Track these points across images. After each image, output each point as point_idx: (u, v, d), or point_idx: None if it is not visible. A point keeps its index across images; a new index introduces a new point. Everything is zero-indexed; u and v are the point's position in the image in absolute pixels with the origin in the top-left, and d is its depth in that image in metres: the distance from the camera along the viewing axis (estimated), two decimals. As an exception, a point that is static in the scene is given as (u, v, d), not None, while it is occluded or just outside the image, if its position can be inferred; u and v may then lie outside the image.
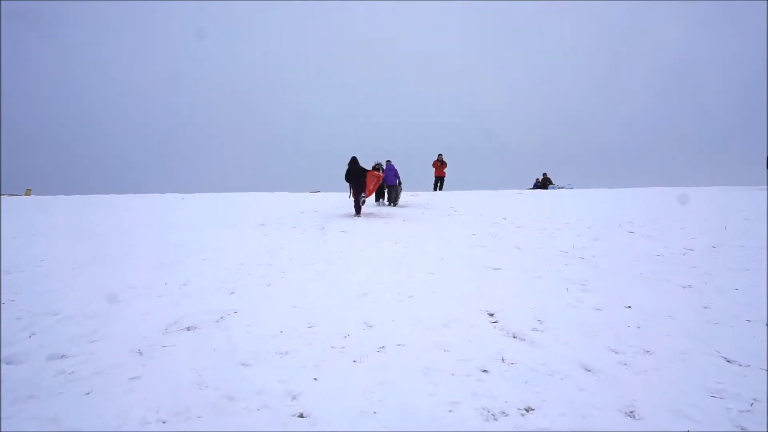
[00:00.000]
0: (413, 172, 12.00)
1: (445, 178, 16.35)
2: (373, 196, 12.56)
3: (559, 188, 17.06)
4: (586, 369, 2.85)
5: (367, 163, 10.88)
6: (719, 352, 3.03)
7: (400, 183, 12.05)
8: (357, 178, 11.04)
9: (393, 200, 12.17)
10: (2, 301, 4.31)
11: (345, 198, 13.25)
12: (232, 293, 4.47)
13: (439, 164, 16.20)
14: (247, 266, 5.53)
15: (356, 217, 9.75)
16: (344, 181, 10.91)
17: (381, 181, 11.23)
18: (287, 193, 15.86)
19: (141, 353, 3.14)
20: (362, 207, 11.02)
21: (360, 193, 10.79)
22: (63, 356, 3.12)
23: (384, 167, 11.96)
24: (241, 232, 7.95)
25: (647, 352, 3.08)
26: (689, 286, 4.48)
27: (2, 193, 17.45)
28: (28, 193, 18.65)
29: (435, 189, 16.46)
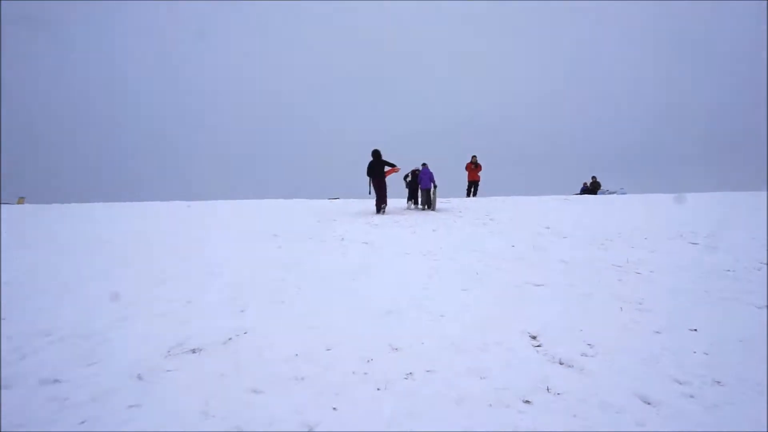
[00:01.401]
0: (444, 175, 12.16)
1: (479, 183, 16.28)
2: (406, 203, 13.19)
3: (609, 193, 16.76)
4: (645, 401, 2.78)
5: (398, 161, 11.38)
6: (806, 384, 2.93)
7: (435, 187, 12.46)
8: (377, 178, 11.43)
9: (428, 204, 12.60)
10: (-3, 319, 4.51)
11: (366, 206, 13.41)
12: (242, 311, 4.54)
13: (473, 167, 16.13)
14: (259, 281, 5.61)
15: (378, 216, 10.06)
16: (366, 175, 11.36)
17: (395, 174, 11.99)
18: (303, 200, 16.10)
19: (141, 378, 3.21)
20: (385, 209, 11.50)
21: (381, 196, 11.31)
22: (56, 381, 3.19)
23: (420, 170, 12.62)
24: (252, 243, 8.08)
25: (717, 383, 2.99)
26: (765, 307, 4.35)
27: None
28: (20, 201, 19.38)
29: (468, 194, 16.38)
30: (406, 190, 13.56)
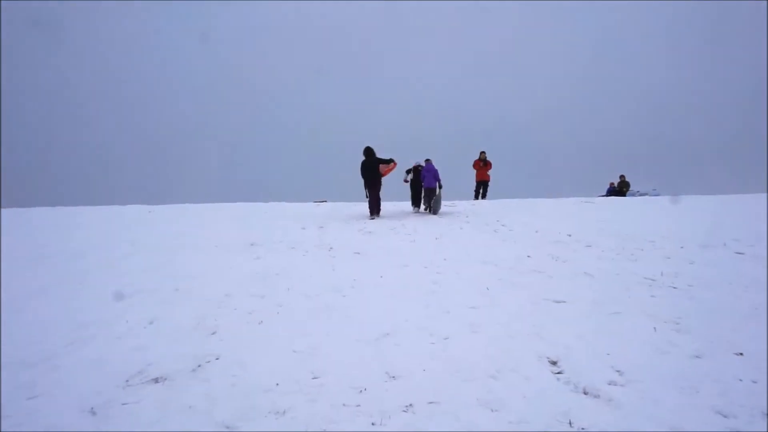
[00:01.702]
0: (447, 175, 12.16)
1: (489, 183, 16.25)
2: (411, 206, 13.43)
3: (640, 195, 16.77)
4: (685, 438, 2.74)
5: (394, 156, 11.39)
6: None
7: (440, 187, 12.44)
8: (371, 178, 11.44)
9: (431, 206, 12.58)
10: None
11: (358, 210, 13.38)
12: (214, 333, 4.49)
13: (482, 165, 16.09)
14: (234, 298, 5.57)
15: (373, 222, 10.07)
16: (360, 176, 11.39)
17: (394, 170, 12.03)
18: (285, 203, 16.06)
19: (94, 413, 3.15)
20: (379, 213, 11.51)
21: (375, 198, 11.32)
22: (-9, 417, 3.17)
23: (423, 167, 12.64)
24: (226, 254, 8.04)
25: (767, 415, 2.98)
26: (824, 326, 4.32)
27: None
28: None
29: (477, 197, 16.38)
30: (410, 192, 13.60)
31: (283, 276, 6.51)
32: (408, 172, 13.37)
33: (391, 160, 11.78)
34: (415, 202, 13.32)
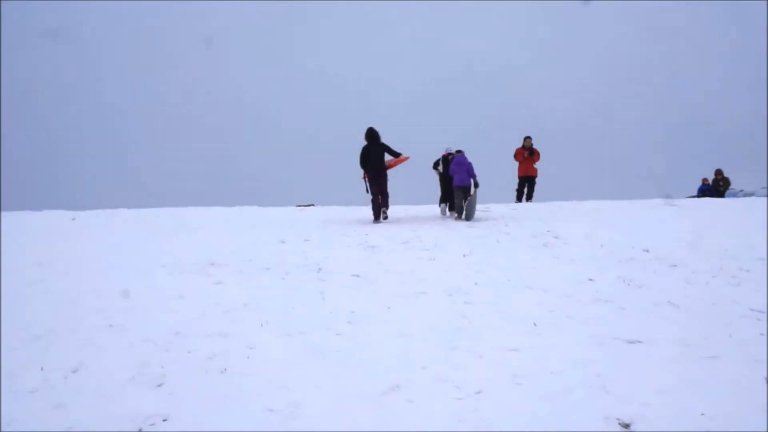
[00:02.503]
0: (480, 169, 12.21)
1: (536, 179, 16.19)
2: (438, 207, 13.34)
3: (744, 195, 16.76)
4: None
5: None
6: None
7: (476, 186, 12.44)
8: (375, 169, 11.43)
9: (462, 211, 12.53)
10: None
11: (356, 215, 13.40)
12: (160, 386, 4.50)
13: (527, 155, 15.95)
14: (187, 338, 5.56)
15: (376, 229, 10.14)
16: (359, 167, 11.40)
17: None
18: (258, 208, 16.01)
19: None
20: (386, 216, 11.53)
21: (379, 195, 11.32)
22: None
23: (454, 156, 12.74)
24: (177, 276, 8.06)
25: None
26: None
27: None
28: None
29: (519, 198, 16.32)
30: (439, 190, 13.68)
31: (254, 307, 6.49)
32: (437, 164, 13.49)
33: (401, 153, 11.82)
34: (447, 203, 13.38)
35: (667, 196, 14.51)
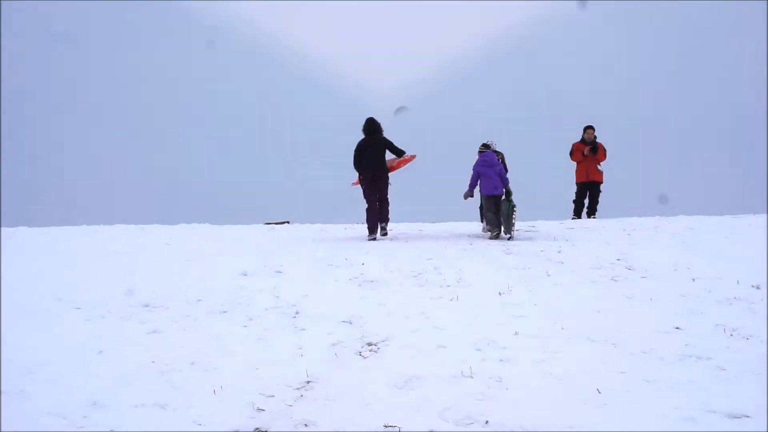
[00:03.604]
0: (515, 172, 12.16)
1: (601, 186, 15.95)
2: (480, 224, 13.12)
3: None
4: None
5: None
6: None
7: (509, 193, 12.00)
8: (373, 169, 11.37)
9: (498, 225, 12.08)
10: None
11: (343, 233, 13.32)
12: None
13: (588, 152, 15.65)
14: (108, 410, 4.94)
15: (374, 249, 9.94)
16: (353, 168, 11.29)
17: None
18: (213, 226, 15.91)
19: None
20: (386, 230, 11.36)
21: (376, 202, 11.19)
22: None
23: (495, 148, 12.49)
24: (95, 323, 7.41)
25: None
26: None
27: None
28: None
29: (579, 212, 15.92)
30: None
31: (204, 367, 5.90)
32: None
33: (404, 152, 11.77)
34: (486, 219, 12.72)
35: None
